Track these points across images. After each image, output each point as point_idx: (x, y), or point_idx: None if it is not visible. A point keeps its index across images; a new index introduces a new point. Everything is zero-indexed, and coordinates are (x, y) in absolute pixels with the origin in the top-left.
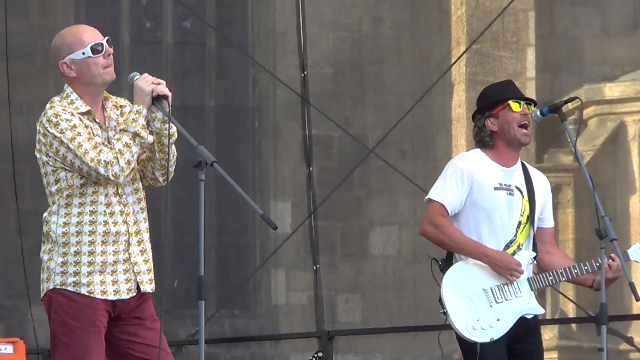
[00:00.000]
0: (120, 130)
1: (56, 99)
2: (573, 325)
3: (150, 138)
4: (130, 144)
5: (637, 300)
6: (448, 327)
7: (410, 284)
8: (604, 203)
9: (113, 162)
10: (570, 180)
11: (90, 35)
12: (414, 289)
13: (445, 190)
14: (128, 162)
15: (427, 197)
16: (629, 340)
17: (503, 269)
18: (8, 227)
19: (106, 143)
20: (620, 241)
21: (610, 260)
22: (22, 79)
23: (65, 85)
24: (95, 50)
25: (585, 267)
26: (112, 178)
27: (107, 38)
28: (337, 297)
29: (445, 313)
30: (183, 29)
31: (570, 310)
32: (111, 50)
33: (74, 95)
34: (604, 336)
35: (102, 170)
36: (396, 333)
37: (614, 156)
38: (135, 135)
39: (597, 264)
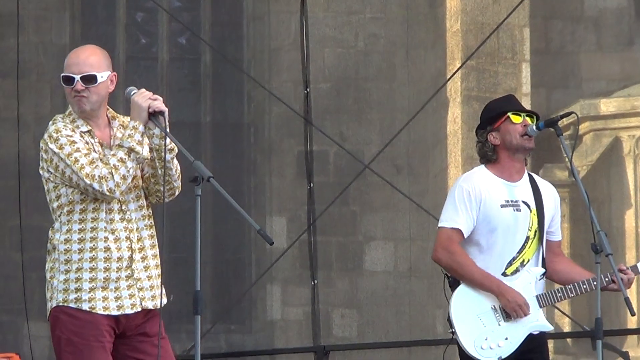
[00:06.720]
0: (115, 146)
1: (59, 116)
2: (569, 340)
3: (146, 153)
4: (125, 159)
5: (632, 315)
6: (445, 342)
7: (406, 299)
8: (599, 218)
9: (107, 177)
10: (566, 195)
11: (72, 64)
12: (409, 304)
13: (458, 215)
14: (123, 177)
15: (439, 225)
16: (625, 355)
17: (510, 305)
18: (4, 243)
19: (103, 159)
20: (615, 256)
21: (623, 275)
22: (19, 95)
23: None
24: (66, 79)
25: (594, 284)
26: (107, 193)
27: (85, 74)
28: (333, 312)
29: (453, 332)
30: (178, 45)
31: (566, 325)
32: (81, 87)
33: (74, 115)
34: (600, 351)
35: (96, 185)
36: (392, 348)
37: (609, 171)
38: (130, 150)
39: (606, 279)
